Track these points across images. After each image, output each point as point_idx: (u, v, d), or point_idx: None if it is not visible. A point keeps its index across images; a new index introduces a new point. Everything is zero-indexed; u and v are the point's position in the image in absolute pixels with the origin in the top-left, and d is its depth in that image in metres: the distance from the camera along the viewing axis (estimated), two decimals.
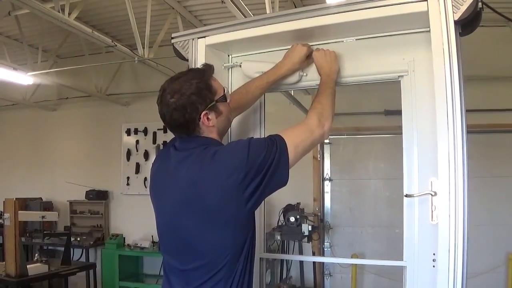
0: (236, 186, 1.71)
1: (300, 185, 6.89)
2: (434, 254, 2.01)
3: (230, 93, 2.16)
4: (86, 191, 8.31)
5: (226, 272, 1.76)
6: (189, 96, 1.80)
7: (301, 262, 6.60)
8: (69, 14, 5.13)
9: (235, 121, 2.33)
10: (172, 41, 2.50)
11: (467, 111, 1.87)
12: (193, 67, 2.37)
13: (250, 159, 1.73)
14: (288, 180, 1.83)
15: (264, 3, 4.68)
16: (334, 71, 2.23)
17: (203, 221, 1.78)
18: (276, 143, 1.79)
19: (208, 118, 1.85)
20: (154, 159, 2.11)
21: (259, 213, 2.50)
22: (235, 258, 1.78)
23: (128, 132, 8.37)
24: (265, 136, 1.93)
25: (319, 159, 6.84)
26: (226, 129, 2.05)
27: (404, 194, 2.14)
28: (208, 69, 1.94)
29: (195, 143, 1.87)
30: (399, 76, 2.23)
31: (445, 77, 1.86)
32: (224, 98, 1.92)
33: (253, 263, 1.88)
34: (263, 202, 2.58)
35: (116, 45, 5.85)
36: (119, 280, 7.29)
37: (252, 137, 1.88)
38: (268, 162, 1.75)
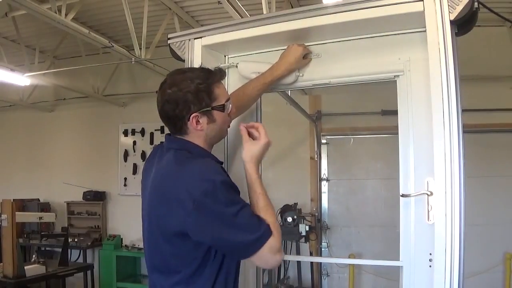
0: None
1: (297, 185, 6.91)
2: (430, 254, 2.01)
3: None
4: (84, 192, 8.31)
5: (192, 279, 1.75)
6: (185, 93, 1.78)
7: (299, 262, 6.60)
8: (66, 15, 5.13)
9: (231, 124, 2.33)
10: (169, 41, 2.50)
11: (463, 110, 1.87)
12: (191, 66, 2.36)
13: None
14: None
15: (261, 4, 4.67)
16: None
17: (157, 227, 1.79)
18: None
19: (197, 122, 1.82)
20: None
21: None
22: (195, 268, 1.75)
23: (125, 133, 8.36)
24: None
25: (316, 159, 6.85)
26: (217, 138, 1.97)
27: (400, 194, 2.14)
28: (217, 73, 1.90)
29: (176, 144, 1.87)
30: (395, 76, 2.23)
31: (441, 77, 1.86)
32: (222, 107, 1.87)
33: (231, 277, 1.84)
34: None
35: (113, 46, 5.86)
36: (117, 281, 7.31)
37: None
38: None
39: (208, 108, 1.82)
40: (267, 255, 1.67)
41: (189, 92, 1.78)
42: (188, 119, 1.81)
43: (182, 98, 1.78)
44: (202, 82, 1.82)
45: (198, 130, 1.84)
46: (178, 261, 1.75)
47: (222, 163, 1.98)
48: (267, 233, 1.68)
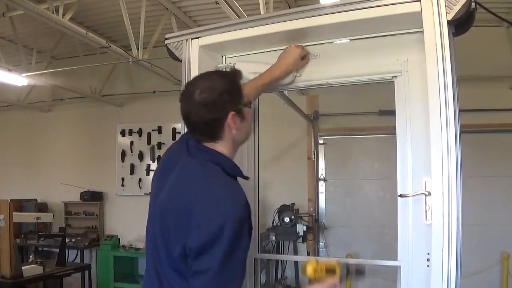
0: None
1: (294, 185, 6.90)
2: (428, 254, 2.02)
3: None
4: (81, 192, 8.28)
5: None
6: (221, 93, 1.73)
7: (296, 262, 6.59)
8: (63, 15, 5.11)
9: None
10: (166, 41, 2.49)
11: (461, 110, 1.87)
12: (187, 68, 2.37)
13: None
14: None
15: (258, 4, 4.68)
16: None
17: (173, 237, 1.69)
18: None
19: (234, 121, 1.76)
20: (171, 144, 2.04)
21: (253, 214, 2.50)
22: None
23: (123, 133, 8.34)
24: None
25: (313, 159, 6.84)
26: (243, 140, 1.92)
27: (398, 194, 2.15)
28: (238, 72, 1.88)
29: (207, 155, 1.78)
30: (392, 77, 2.23)
31: (438, 77, 1.87)
32: (249, 103, 1.86)
33: None
34: (257, 203, 2.60)
35: (110, 46, 5.84)
36: (114, 281, 7.29)
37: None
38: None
39: (240, 106, 1.79)
40: None
41: (225, 91, 1.74)
42: (225, 119, 1.75)
43: (219, 99, 1.73)
44: (232, 80, 1.80)
45: (232, 133, 1.78)
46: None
47: (247, 178, 1.92)
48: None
